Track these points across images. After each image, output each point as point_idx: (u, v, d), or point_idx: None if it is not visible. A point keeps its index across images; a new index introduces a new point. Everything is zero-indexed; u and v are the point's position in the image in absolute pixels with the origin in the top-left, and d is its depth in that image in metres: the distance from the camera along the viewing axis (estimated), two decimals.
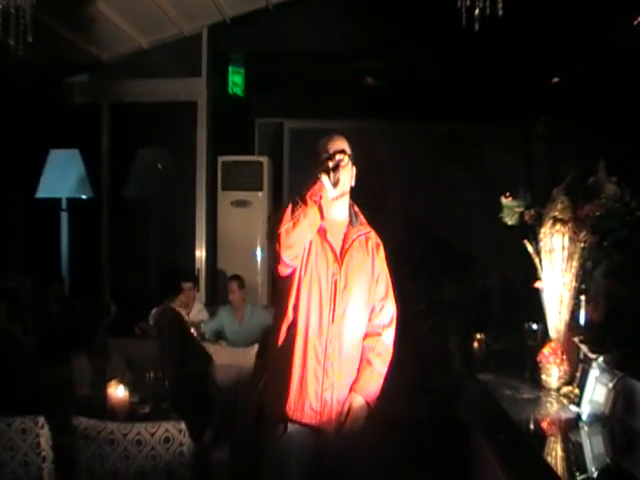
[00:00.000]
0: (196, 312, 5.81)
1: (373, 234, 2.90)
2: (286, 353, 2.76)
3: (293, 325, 2.76)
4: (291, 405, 2.71)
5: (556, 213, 2.93)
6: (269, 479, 2.82)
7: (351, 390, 2.75)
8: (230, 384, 4.41)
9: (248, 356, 4.56)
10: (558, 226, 2.90)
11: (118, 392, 3.68)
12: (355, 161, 2.78)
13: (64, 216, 6.22)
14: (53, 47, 5.37)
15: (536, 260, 3.02)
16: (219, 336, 5.64)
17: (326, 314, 2.73)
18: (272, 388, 2.83)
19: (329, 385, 2.72)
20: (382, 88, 7.46)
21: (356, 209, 2.91)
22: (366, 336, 2.83)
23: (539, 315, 3.25)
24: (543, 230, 2.96)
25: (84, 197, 6.08)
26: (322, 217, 2.65)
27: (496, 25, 3.30)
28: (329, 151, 2.72)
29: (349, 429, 2.72)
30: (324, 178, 2.64)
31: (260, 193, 6.73)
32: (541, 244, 2.98)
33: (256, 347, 4.65)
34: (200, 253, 6.63)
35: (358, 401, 2.73)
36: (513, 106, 6.46)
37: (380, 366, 2.81)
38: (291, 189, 7.43)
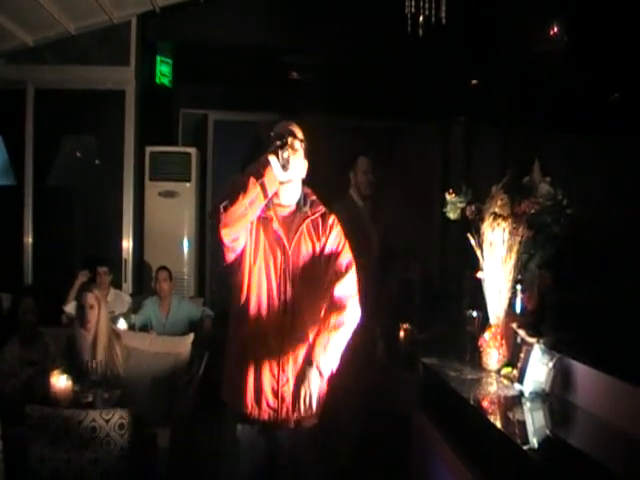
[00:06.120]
0: (113, 297, 5.76)
1: (327, 214, 2.83)
2: (240, 349, 2.72)
3: (246, 320, 2.70)
4: (248, 403, 2.70)
5: (496, 209, 3.16)
6: (227, 475, 2.90)
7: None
8: (167, 371, 4.47)
9: (184, 344, 4.61)
10: (498, 221, 3.13)
11: (60, 381, 3.68)
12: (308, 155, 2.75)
13: None
14: None
15: (478, 252, 3.24)
16: (146, 328, 5.64)
17: (279, 307, 2.69)
18: (229, 384, 2.81)
19: (286, 380, 2.69)
20: (305, 83, 7.61)
21: (312, 197, 2.86)
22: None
23: (474, 304, 3.51)
24: (485, 225, 3.18)
25: (7, 184, 5.92)
26: (265, 196, 2.55)
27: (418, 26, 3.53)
28: (280, 133, 2.68)
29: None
30: (272, 158, 2.57)
31: (188, 184, 6.75)
32: (483, 237, 3.21)
33: (192, 336, 4.71)
34: (127, 243, 6.58)
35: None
36: (433, 105, 6.72)
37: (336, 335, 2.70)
38: (215, 180, 7.46)
